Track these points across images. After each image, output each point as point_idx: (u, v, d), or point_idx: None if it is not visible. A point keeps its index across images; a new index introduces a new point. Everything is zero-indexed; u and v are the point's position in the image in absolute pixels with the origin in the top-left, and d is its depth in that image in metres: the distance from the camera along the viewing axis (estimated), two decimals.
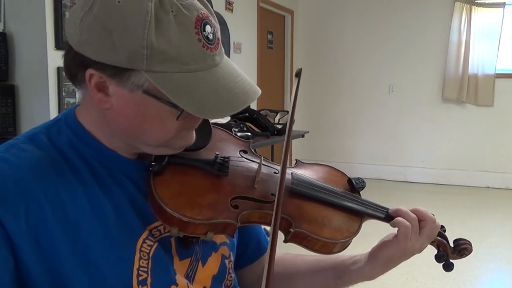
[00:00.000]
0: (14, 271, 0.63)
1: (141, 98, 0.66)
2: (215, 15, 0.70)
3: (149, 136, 0.70)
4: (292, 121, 0.74)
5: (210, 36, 0.66)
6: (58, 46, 2.80)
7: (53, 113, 2.80)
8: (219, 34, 0.70)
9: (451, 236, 0.90)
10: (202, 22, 0.65)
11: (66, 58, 0.69)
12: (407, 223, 0.81)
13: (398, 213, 0.83)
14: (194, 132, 0.74)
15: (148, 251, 0.71)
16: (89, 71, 0.65)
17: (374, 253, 0.85)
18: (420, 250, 0.83)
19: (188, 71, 0.64)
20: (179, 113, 0.66)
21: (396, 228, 0.82)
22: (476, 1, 5.67)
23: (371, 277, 0.86)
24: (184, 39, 0.63)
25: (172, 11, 0.63)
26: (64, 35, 2.79)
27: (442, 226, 0.87)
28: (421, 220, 0.83)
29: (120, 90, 0.66)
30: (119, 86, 0.66)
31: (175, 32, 0.63)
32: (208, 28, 0.66)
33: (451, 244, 0.88)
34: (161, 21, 0.62)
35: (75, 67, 0.68)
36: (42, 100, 2.79)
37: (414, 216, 0.82)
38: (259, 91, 0.71)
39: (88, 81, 0.67)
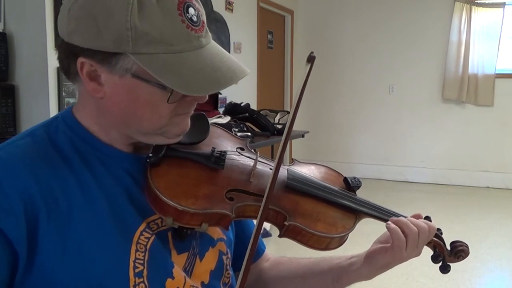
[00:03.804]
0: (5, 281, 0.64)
1: (131, 82, 0.67)
2: (199, 1, 0.72)
3: (143, 123, 0.71)
4: (296, 111, 0.74)
5: (194, 18, 0.68)
6: None
7: (53, 113, 2.80)
8: (204, 18, 0.71)
9: (450, 236, 0.90)
10: (184, 5, 0.67)
11: (59, 51, 0.71)
12: (402, 237, 0.79)
13: (398, 223, 0.81)
14: (188, 119, 0.75)
15: (145, 243, 0.71)
16: (80, 60, 0.67)
17: (370, 256, 0.85)
18: (416, 255, 0.83)
19: (174, 51, 0.66)
20: (168, 94, 0.67)
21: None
22: (476, 1, 5.67)
23: (368, 277, 0.86)
24: (167, 21, 0.65)
25: None
26: None
27: (439, 229, 0.87)
28: (418, 232, 0.81)
29: (111, 77, 0.68)
30: (110, 73, 0.67)
31: (157, 14, 0.65)
32: (191, 10, 0.68)
33: (448, 247, 0.88)
34: (143, 4, 0.64)
35: (67, 58, 0.70)
36: (42, 100, 2.79)
37: (415, 229, 0.81)
38: (247, 71, 0.72)
39: (80, 71, 0.68)
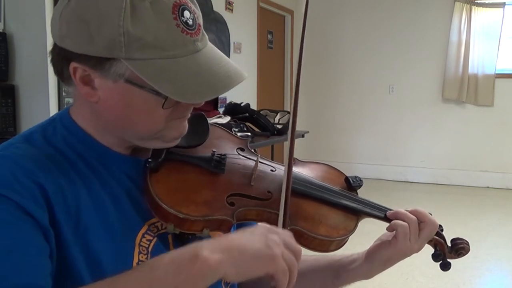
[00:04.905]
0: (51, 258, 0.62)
1: (125, 87, 0.66)
2: (195, 2, 0.70)
3: (138, 128, 0.70)
4: (300, 65, 0.73)
5: (190, 22, 0.66)
6: None
7: (53, 113, 2.79)
8: (200, 21, 0.69)
9: (450, 236, 0.90)
10: (179, 8, 0.65)
11: (52, 55, 0.70)
12: (405, 223, 0.81)
13: (396, 215, 0.83)
14: (186, 122, 0.74)
15: (147, 245, 0.71)
16: (73, 65, 0.66)
17: (372, 253, 0.85)
18: (418, 250, 0.83)
19: (168, 57, 0.64)
20: (163, 100, 0.66)
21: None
22: (476, 1, 5.66)
23: (368, 276, 0.87)
24: (161, 25, 0.63)
25: None
26: None
27: (440, 226, 0.87)
28: (421, 221, 0.83)
29: (105, 82, 0.66)
30: (103, 78, 0.66)
31: (151, 18, 0.63)
32: (186, 13, 0.66)
33: (449, 244, 0.88)
34: (136, 8, 0.62)
35: (60, 63, 0.69)
36: (42, 100, 2.79)
37: (414, 217, 0.82)
38: (245, 75, 0.70)
39: (73, 76, 0.67)
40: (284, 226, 0.68)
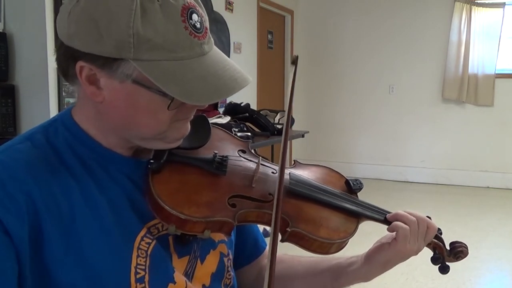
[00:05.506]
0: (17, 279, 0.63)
1: (131, 88, 0.66)
2: (202, 6, 0.71)
3: (142, 128, 0.70)
4: (290, 112, 0.74)
5: (198, 25, 0.67)
6: None
7: (53, 113, 2.80)
8: (207, 24, 0.70)
9: (450, 236, 0.90)
10: (188, 11, 0.66)
11: (58, 53, 0.70)
12: (405, 225, 0.82)
13: (396, 217, 0.84)
14: (188, 124, 0.75)
15: (146, 248, 0.71)
16: (79, 64, 0.66)
17: (371, 256, 0.85)
18: (417, 252, 0.84)
19: (176, 59, 0.65)
20: (169, 102, 0.67)
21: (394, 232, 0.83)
22: (476, 1, 5.67)
23: (367, 278, 0.87)
24: (170, 27, 0.64)
25: (157, 0, 0.64)
26: None
27: (439, 229, 0.87)
28: (418, 223, 0.83)
29: (111, 81, 0.66)
30: (110, 78, 0.66)
31: (161, 20, 0.63)
32: (195, 16, 0.66)
33: (447, 247, 0.89)
34: (146, 9, 0.63)
35: (66, 61, 0.68)
36: (42, 100, 2.80)
37: (414, 219, 0.83)
38: (249, 79, 0.71)
39: (79, 75, 0.67)
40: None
